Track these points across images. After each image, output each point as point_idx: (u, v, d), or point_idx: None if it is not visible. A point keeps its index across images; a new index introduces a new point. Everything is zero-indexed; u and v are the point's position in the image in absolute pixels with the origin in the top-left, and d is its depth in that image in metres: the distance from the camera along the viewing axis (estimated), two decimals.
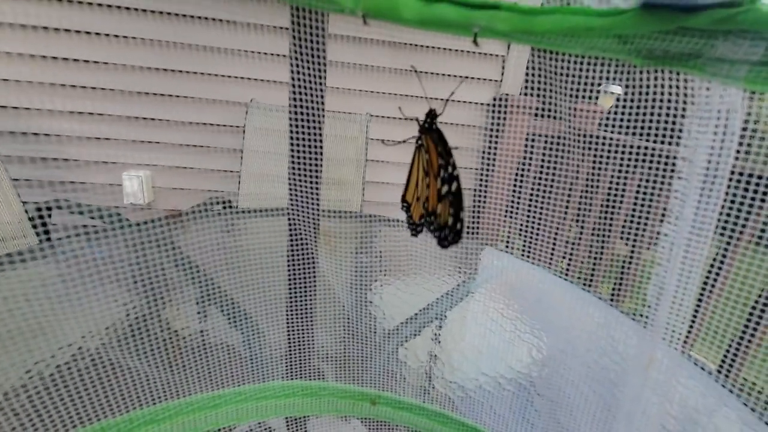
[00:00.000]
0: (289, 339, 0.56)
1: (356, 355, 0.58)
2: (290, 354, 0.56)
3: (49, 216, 0.97)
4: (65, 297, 0.44)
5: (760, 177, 0.31)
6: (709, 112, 0.22)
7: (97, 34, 1.26)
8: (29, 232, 0.98)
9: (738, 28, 0.19)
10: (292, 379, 0.56)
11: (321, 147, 0.50)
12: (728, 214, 0.31)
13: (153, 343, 0.48)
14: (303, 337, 0.56)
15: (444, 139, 0.35)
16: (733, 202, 0.31)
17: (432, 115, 0.34)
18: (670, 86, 0.24)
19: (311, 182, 0.50)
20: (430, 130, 0.35)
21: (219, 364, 0.52)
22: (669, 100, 0.24)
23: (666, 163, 0.35)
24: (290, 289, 0.54)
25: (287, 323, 0.55)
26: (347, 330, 0.58)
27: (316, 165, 0.50)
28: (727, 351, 0.44)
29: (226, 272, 0.53)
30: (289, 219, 0.52)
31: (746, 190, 0.31)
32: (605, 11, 0.20)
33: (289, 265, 0.53)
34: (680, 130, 0.23)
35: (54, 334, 0.46)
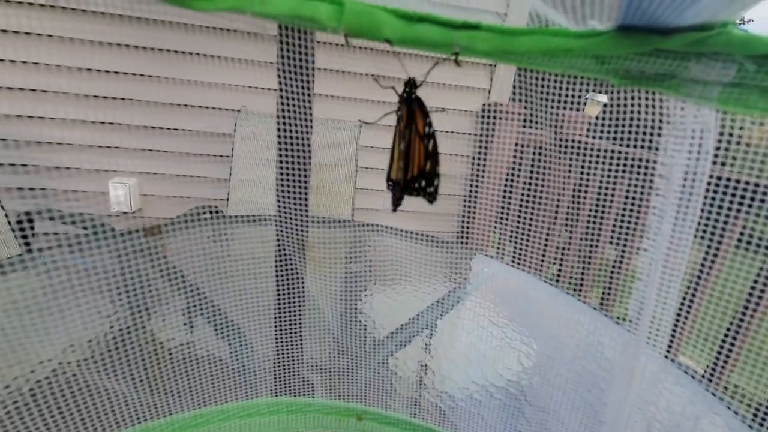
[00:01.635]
0: (277, 350, 0.55)
1: (344, 367, 0.57)
2: (278, 366, 0.55)
3: (32, 225, 0.95)
4: (46, 309, 0.43)
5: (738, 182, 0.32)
6: (684, 131, 0.23)
7: (81, 40, 1.24)
8: (11, 242, 0.96)
9: (710, 50, 0.19)
10: (278, 395, 0.55)
11: (309, 154, 0.50)
12: (707, 221, 0.31)
13: (137, 357, 0.47)
14: (291, 348, 0.55)
15: (424, 103, 0.35)
16: (711, 209, 0.31)
17: (411, 84, 0.33)
18: (647, 105, 0.24)
19: (299, 189, 0.50)
20: (410, 100, 0.34)
21: (204, 379, 0.51)
22: (646, 119, 0.25)
23: (647, 168, 0.36)
24: (278, 298, 0.54)
25: (275, 334, 0.54)
26: (336, 341, 0.58)
27: (304, 172, 0.50)
28: (712, 355, 0.45)
29: (214, 282, 0.52)
30: (276, 227, 0.52)
31: (724, 194, 0.32)
32: (583, 33, 0.20)
33: (276, 274, 0.53)
34: (656, 148, 0.24)
35: (34, 348, 0.45)
